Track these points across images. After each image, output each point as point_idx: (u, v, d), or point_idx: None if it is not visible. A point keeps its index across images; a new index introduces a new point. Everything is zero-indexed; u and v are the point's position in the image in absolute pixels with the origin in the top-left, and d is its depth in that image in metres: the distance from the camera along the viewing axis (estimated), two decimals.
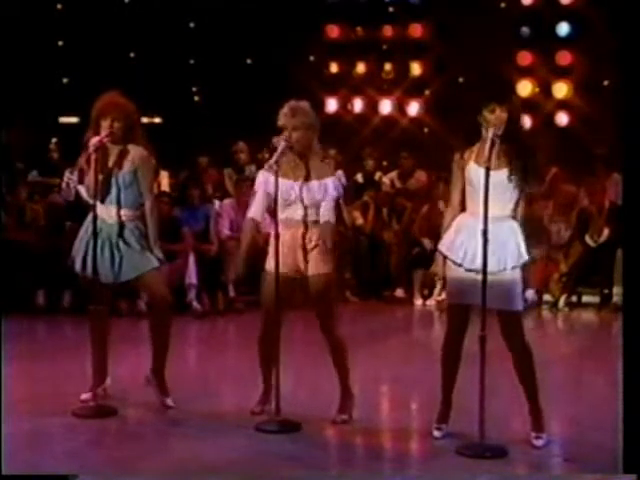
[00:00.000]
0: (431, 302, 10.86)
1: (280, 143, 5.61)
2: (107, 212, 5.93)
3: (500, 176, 5.22)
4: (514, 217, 5.31)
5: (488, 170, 5.12)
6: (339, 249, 5.98)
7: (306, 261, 5.66)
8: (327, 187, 5.66)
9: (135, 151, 5.96)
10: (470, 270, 5.22)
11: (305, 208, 5.65)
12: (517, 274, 5.28)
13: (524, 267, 5.32)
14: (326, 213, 5.68)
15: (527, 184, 5.31)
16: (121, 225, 5.92)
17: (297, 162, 5.69)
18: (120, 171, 5.93)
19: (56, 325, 9.49)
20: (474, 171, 5.25)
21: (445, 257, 5.36)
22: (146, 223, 5.97)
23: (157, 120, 14.34)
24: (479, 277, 5.14)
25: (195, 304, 10.04)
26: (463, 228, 5.29)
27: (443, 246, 5.37)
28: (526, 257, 5.28)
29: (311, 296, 5.71)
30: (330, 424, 5.68)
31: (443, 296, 10.36)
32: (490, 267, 5.14)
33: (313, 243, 5.66)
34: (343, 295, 11.09)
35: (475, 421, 5.14)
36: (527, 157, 5.27)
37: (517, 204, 5.31)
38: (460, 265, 5.24)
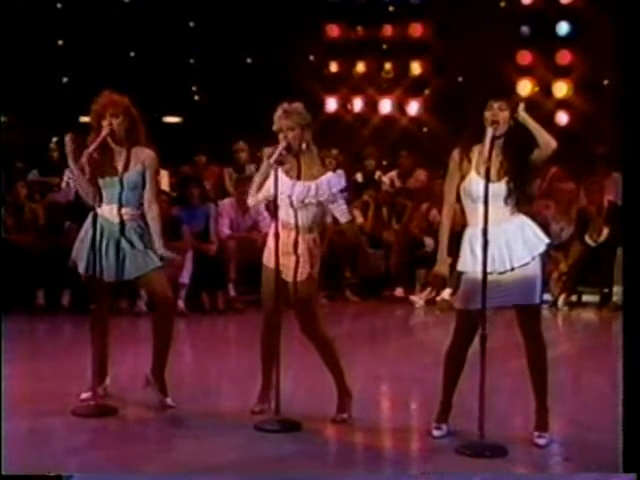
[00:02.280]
0: (420, 301, 10.76)
1: (280, 144, 5.60)
2: (109, 212, 5.93)
3: (500, 188, 5.21)
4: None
5: (488, 170, 5.12)
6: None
7: (296, 267, 5.65)
8: (322, 185, 5.60)
9: (143, 153, 5.97)
10: (502, 273, 5.19)
11: (295, 210, 5.63)
12: (538, 267, 5.27)
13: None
14: (342, 214, 5.71)
15: (525, 192, 5.33)
16: (124, 224, 5.93)
17: (291, 161, 5.68)
18: (126, 172, 5.92)
19: (56, 325, 9.48)
20: (474, 182, 5.21)
21: (462, 274, 5.31)
22: (147, 222, 5.98)
23: (172, 119, 14.35)
24: (499, 277, 5.15)
25: (180, 303, 9.77)
26: (473, 239, 5.24)
27: (465, 265, 5.29)
28: (547, 240, 5.30)
29: (297, 300, 5.69)
30: (330, 423, 5.68)
31: (444, 296, 10.38)
32: (511, 263, 5.17)
33: (304, 248, 5.65)
34: (343, 295, 11.11)
35: (475, 420, 5.14)
36: (526, 166, 5.26)
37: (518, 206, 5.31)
38: (490, 273, 5.14)
